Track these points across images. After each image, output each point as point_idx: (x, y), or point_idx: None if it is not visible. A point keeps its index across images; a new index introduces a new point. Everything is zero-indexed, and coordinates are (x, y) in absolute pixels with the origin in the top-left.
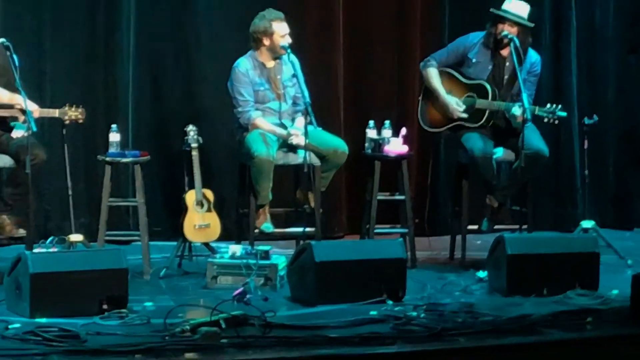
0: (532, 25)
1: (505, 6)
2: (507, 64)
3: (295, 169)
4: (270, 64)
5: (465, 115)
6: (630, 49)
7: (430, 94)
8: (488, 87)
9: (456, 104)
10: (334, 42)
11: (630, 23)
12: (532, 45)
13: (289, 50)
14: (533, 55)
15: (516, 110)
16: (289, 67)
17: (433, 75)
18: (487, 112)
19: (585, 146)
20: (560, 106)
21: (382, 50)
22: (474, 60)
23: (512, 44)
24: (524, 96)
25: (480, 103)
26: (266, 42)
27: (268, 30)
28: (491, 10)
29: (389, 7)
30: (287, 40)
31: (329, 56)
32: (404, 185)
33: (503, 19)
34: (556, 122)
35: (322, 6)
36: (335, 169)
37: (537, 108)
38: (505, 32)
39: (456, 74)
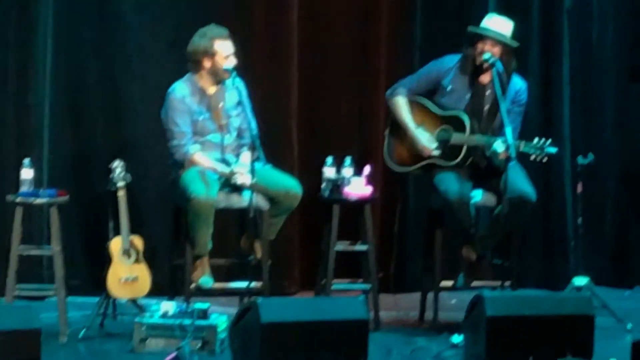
0: (516, 44)
1: (485, 23)
2: (488, 92)
3: (239, 213)
4: (212, 89)
5: (438, 153)
6: (632, 76)
7: (398, 127)
8: (465, 119)
9: (427, 141)
10: (287, 65)
11: (632, 45)
12: (517, 69)
13: (233, 74)
14: (518, 82)
15: (498, 146)
16: (234, 94)
17: (401, 105)
18: (465, 148)
19: (579, 190)
20: (549, 141)
21: (343, 76)
22: (449, 87)
23: (494, 69)
24: (508, 130)
25: (457, 138)
26: (207, 63)
27: (209, 49)
28: (469, 28)
29: (351, 26)
30: (232, 62)
31: (281, 81)
32: (366, 233)
33: (483, 38)
34: (545, 160)
35: (274, 23)
36: (287, 213)
37: (522, 143)
38: (486, 55)
39: (428, 103)
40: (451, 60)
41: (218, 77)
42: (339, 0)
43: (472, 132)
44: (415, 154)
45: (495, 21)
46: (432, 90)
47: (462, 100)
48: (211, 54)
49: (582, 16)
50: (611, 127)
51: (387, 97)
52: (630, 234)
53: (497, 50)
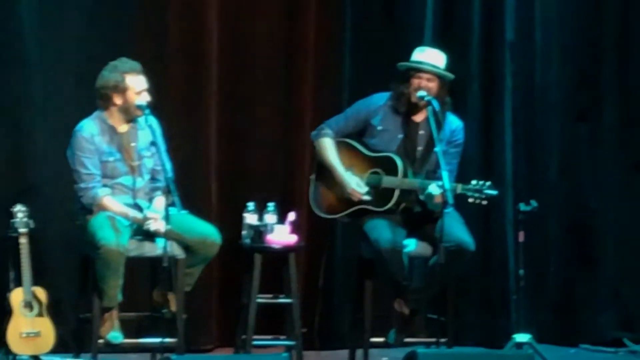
0: (452, 77)
1: (417, 57)
2: (422, 132)
3: (152, 262)
4: (123, 128)
5: (368, 198)
6: (578, 116)
7: (325, 170)
8: (398, 161)
9: (357, 184)
10: (204, 102)
11: (578, 84)
12: (453, 108)
13: (147, 111)
14: (454, 121)
15: (433, 189)
16: (147, 133)
17: (328, 146)
18: (397, 192)
19: (521, 239)
20: (489, 183)
21: (265, 114)
22: (379, 127)
23: (429, 108)
24: (444, 173)
25: (388, 181)
26: (118, 100)
27: (120, 85)
28: (400, 64)
29: (274, 58)
30: (145, 98)
31: (198, 119)
32: (290, 284)
33: (417, 73)
34: (484, 202)
35: (190, 55)
36: (204, 263)
37: (459, 186)
38: (421, 93)
39: (358, 145)
40: (380, 99)
41: (130, 115)
42: (261, 31)
43: (405, 175)
44: (344, 199)
45: (428, 54)
46: (361, 131)
47: (394, 141)
48: (122, 90)
49: (525, 52)
50: (556, 171)
51: (312, 138)
52: (576, 288)
53: (433, 85)
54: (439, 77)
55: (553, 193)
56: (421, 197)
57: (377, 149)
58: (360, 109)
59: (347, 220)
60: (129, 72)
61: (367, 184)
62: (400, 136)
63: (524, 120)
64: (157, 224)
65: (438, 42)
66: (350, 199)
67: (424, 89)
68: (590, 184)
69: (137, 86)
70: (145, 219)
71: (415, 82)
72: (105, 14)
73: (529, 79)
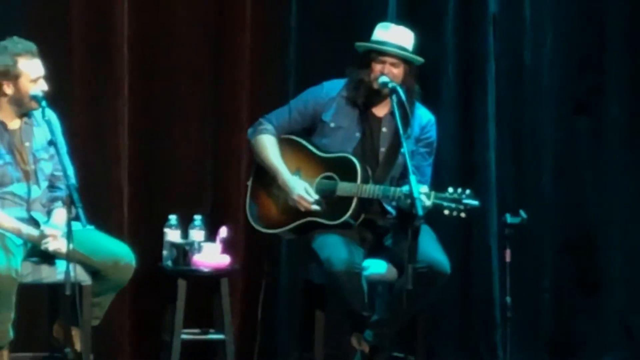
0: (421, 61)
1: (378, 35)
2: (384, 129)
3: (51, 290)
4: (14, 124)
5: (318, 208)
6: (577, 108)
7: (264, 175)
8: (356, 163)
9: (304, 191)
10: (114, 92)
11: (576, 68)
12: (422, 98)
13: (43, 104)
14: (424, 115)
15: (407, 199)
16: (44, 130)
17: (268, 145)
18: (355, 202)
19: (508, 258)
20: (469, 191)
21: (190, 108)
22: (332, 124)
23: (393, 98)
24: (412, 179)
25: (344, 188)
26: (7, 89)
27: (11, 70)
28: (358, 45)
29: (200, 39)
30: (42, 87)
31: (107, 114)
32: (223, 316)
33: (379, 55)
34: (463, 215)
35: (96, 37)
36: (116, 290)
37: (432, 194)
38: (383, 79)
39: (306, 143)
40: (333, 88)
41: (23, 108)
42: (182, 6)
43: (365, 180)
44: (289, 209)
45: (392, 32)
46: (310, 128)
47: (351, 141)
48: (13, 77)
49: (512, 28)
50: (550, 175)
51: (249, 137)
52: (576, 320)
53: (398, 71)
54: (406, 61)
55: (546, 202)
56: (386, 206)
57: (330, 150)
58: (308, 101)
59: (292, 237)
60: (23, 54)
61: (318, 190)
62: (358, 135)
63: (511, 113)
64: (56, 243)
65: (404, 17)
66: (296, 209)
67: (388, 75)
68: (592, 191)
69: (32, 72)
70: (42, 236)
71: (376, 67)
72: None
73: (516, 62)
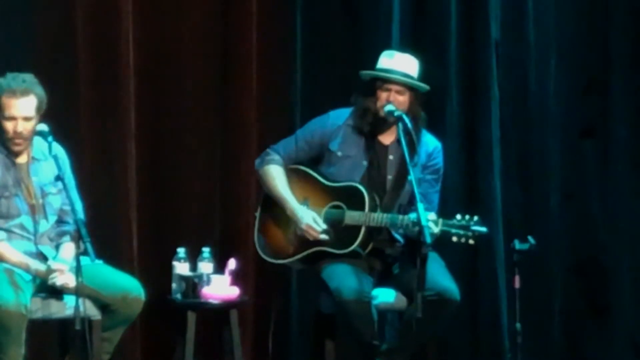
0: (426, 88)
1: (383, 63)
2: (391, 157)
3: (61, 326)
4: (22, 158)
5: (326, 237)
6: (583, 131)
7: (272, 205)
8: (364, 191)
9: (312, 220)
10: (122, 125)
11: (582, 92)
12: (427, 124)
13: (50, 139)
14: (430, 142)
15: (415, 227)
16: (51, 165)
17: (275, 175)
18: (363, 230)
19: (517, 285)
20: (477, 218)
21: (197, 140)
22: (339, 153)
23: (399, 125)
24: (420, 207)
25: (352, 217)
26: None
27: None
28: (363, 73)
29: (207, 73)
30: (16, 128)
31: (115, 147)
32: (233, 349)
33: (384, 83)
34: (471, 242)
35: (104, 72)
36: (125, 324)
37: (440, 221)
38: (389, 107)
39: (313, 172)
40: (339, 117)
41: (8, 143)
42: (189, 39)
43: (373, 209)
44: (297, 240)
45: (397, 60)
46: (317, 157)
47: (358, 169)
48: None
49: (515, 53)
50: (558, 199)
51: (256, 167)
52: (587, 344)
53: (404, 99)
54: (411, 88)
55: (554, 227)
56: (400, 232)
57: (337, 179)
58: (315, 131)
59: (301, 267)
60: (7, 90)
61: (326, 220)
62: (365, 163)
63: (517, 137)
64: (64, 277)
65: (407, 44)
66: (304, 239)
67: (393, 102)
68: (600, 214)
69: (7, 109)
70: (50, 271)
71: (382, 94)
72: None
73: (520, 87)
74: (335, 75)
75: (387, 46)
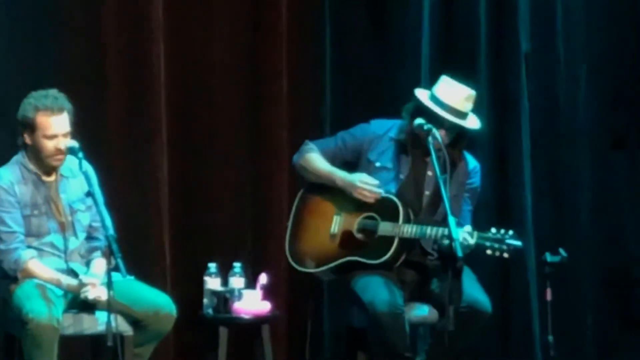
0: (475, 129)
1: (440, 92)
2: (430, 172)
3: (93, 341)
4: (50, 176)
5: (381, 191)
6: (614, 143)
7: (304, 216)
8: (398, 203)
9: (365, 178)
10: (152, 141)
11: (612, 103)
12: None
13: (80, 155)
14: (470, 161)
15: (444, 239)
16: (80, 182)
17: (315, 158)
18: (396, 242)
19: (549, 297)
20: (512, 232)
21: (228, 155)
22: (377, 163)
23: (429, 138)
24: (451, 220)
25: (385, 228)
26: (28, 139)
27: (28, 122)
28: (417, 93)
29: (238, 87)
30: (58, 145)
31: (146, 163)
32: None
33: (435, 115)
34: (505, 255)
35: (133, 89)
36: (157, 340)
37: (476, 234)
38: (418, 121)
39: None
40: (381, 127)
41: (40, 162)
42: (220, 57)
43: (407, 221)
44: (329, 249)
45: (454, 93)
46: (352, 163)
47: (395, 181)
48: (30, 129)
49: (545, 66)
50: (589, 211)
51: (294, 162)
52: (620, 354)
53: (451, 135)
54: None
55: (586, 239)
56: (435, 247)
57: None
58: (356, 136)
59: (332, 277)
60: (42, 109)
61: (359, 230)
62: (402, 177)
63: (547, 150)
64: (96, 291)
65: (437, 58)
66: (337, 248)
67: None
68: (632, 226)
69: (47, 128)
70: (81, 285)
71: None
72: (29, 41)
73: (550, 99)
74: (365, 91)
75: (417, 59)
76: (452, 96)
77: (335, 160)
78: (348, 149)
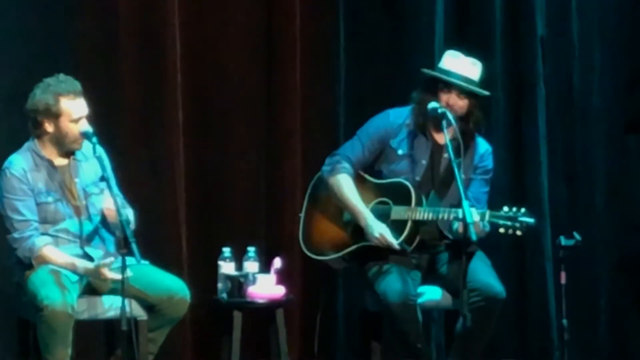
0: (486, 94)
1: (446, 63)
2: (445, 155)
3: (107, 325)
4: (62, 161)
5: (398, 248)
6: (629, 127)
7: (317, 205)
8: (410, 187)
9: (386, 232)
10: (167, 126)
11: (627, 86)
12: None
13: (94, 140)
14: (482, 144)
15: (454, 223)
16: (93, 165)
17: (344, 184)
18: (409, 225)
19: (563, 281)
20: (524, 210)
21: (243, 139)
22: (399, 151)
23: (444, 121)
24: (465, 204)
25: (398, 212)
26: (49, 127)
27: (52, 109)
28: (424, 70)
29: (253, 71)
30: (83, 127)
31: (161, 148)
32: (280, 348)
33: (446, 86)
34: (518, 233)
35: (149, 70)
36: (171, 324)
37: (488, 212)
38: (432, 104)
39: (364, 174)
40: (399, 116)
41: (64, 147)
42: (235, 41)
43: (419, 204)
44: (342, 237)
45: (461, 62)
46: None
47: (418, 168)
48: (54, 115)
49: (560, 50)
50: (604, 195)
51: (324, 175)
52: (634, 338)
53: (463, 103)
54: (473, 94)
55: (600, 222)
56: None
57: (398, 176)
58: (378, 130)
59: (345, 265)
60: (65, 93)
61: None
62: (424, 162)
63: (562, 134)
64: (111, 275)
65: (452, 42)
66: (350, 236)
67: (453, 107)
68: None
69: (73, 112)
70: (99, 266)
71: (443, 96)
72: (41, 24)
73: (566, 83)
74: (379, 75)
75: (431, 43)
76: (459, 64)
77: (369, 163)
78: (374, 148)
